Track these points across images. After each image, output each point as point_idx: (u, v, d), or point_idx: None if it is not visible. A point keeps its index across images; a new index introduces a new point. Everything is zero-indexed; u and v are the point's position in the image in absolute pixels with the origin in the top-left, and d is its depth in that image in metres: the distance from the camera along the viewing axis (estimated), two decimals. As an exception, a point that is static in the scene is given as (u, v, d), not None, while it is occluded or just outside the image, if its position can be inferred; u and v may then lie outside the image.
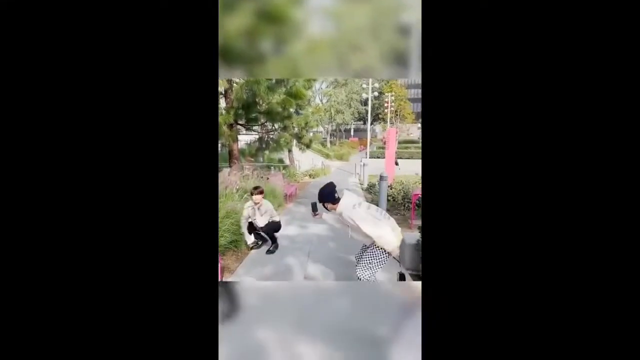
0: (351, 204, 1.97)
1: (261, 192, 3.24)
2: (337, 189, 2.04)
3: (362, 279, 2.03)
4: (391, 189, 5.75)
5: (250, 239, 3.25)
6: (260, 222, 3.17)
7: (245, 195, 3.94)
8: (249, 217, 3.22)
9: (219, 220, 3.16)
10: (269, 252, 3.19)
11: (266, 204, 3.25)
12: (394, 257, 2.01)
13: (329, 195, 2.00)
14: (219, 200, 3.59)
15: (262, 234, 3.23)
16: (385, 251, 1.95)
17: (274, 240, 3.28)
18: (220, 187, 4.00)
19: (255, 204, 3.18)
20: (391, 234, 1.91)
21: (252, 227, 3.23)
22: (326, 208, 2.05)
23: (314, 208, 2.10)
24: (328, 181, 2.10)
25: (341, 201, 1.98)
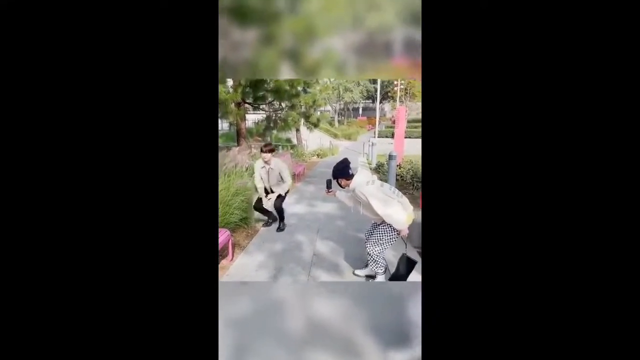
0: (364, 180, 1.95)
1: (271, 150, 3.10)
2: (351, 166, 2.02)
3: (372, 254, 2.06)
4: (400, 168, 5.69)
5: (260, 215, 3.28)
6: (269, 204, 3.15)
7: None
8: (261, 179, 3.16)
9: (230, 197, 3.20)
10: (279, 229, 3.25)
11: (277, 163, 3.14)
12: (401, 237, 2.01)
13: (343, 170, 1.99)
14: (229, 178, 3.62)
15: (274, 212, 3.25)
16: (395, 229, 1.95)
17: (282, 219, 3.32)
18: (229, 166, 4.02)
19: (265, 162, 3.10)
20: (401, 213, 1.90)
21: (259, 204, 3.23)
22: (340, 184, 2.04)
23: (329, 185, 2.10)
24: (336, 161, 2.08)
25: (355, 177, 1.97)
